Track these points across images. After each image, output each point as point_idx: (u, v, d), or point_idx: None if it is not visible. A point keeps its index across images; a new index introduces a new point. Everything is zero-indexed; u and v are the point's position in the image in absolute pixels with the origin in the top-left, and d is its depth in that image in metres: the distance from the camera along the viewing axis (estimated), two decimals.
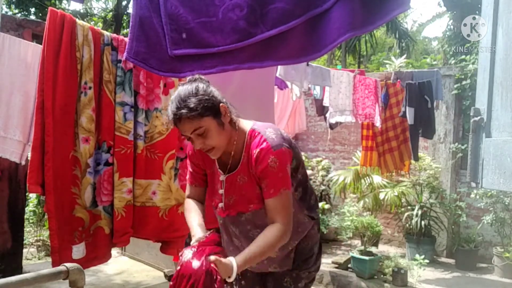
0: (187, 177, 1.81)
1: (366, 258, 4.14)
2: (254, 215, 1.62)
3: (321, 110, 4.57)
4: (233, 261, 1.42)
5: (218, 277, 1.39)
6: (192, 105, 1.48)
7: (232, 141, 1.61)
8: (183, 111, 1.48)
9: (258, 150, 1.54)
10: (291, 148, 1.59)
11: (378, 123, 4.23)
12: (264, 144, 1.54)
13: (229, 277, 1.41)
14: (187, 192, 1.81)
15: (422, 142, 5.15)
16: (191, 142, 1.59)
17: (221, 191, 1.66)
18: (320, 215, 5.29)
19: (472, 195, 4.98)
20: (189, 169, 1.78)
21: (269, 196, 1.53)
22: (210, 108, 1.52)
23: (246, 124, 1.64)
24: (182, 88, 1.54)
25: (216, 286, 1.38)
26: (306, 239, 1.73)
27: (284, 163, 1.54)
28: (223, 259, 1.41)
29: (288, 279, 1.74)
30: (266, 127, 1.62)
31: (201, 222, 1.65)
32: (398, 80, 4.59)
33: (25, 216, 4.43)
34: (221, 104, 1.55)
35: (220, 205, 1.67)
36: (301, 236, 1.72)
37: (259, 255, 1.48)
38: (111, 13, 9.63)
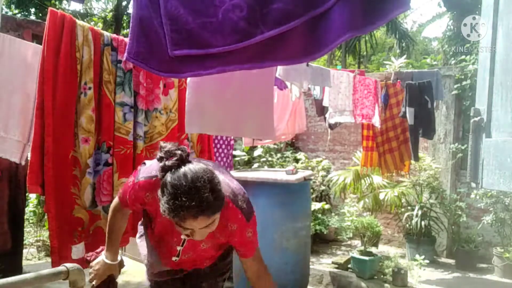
0: (127, 199, 1.62)
1: (366, 258, 4.14)
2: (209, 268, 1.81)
3: (321, 111, 4.56)
4: None
5: None
6: (213, 202, 1.34)
7: None
8: (205, 211, 1.33)
9: (236, 226, 1.56)
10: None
11: (377, 123, 4.23)
12: (239, 216, 1.55)
13: None
14: (124, 203, 1.66)
15: (422, 142, 5.14)
16: (186, 235, 1.43)
17: (179, 248, 1.65)
18: (320, 215, 5.34)
19: (472, 196, 4.97)
20: (130, 204, 1.62)
21: (245, 256, 1.65)
22: (223, 202, 1.43)
23: None
24: (196, 179, 1.33)
25: None
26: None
27: (256, 230, 1.62)
28: None
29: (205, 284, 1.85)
30: (235, 193, 1.56)
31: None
32: (398, 80, 4.58)
33: (25, 216, 4.43)
34: None
35: (174, 258, 1.68)
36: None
37: None
38: (111, 13, 9.62)
